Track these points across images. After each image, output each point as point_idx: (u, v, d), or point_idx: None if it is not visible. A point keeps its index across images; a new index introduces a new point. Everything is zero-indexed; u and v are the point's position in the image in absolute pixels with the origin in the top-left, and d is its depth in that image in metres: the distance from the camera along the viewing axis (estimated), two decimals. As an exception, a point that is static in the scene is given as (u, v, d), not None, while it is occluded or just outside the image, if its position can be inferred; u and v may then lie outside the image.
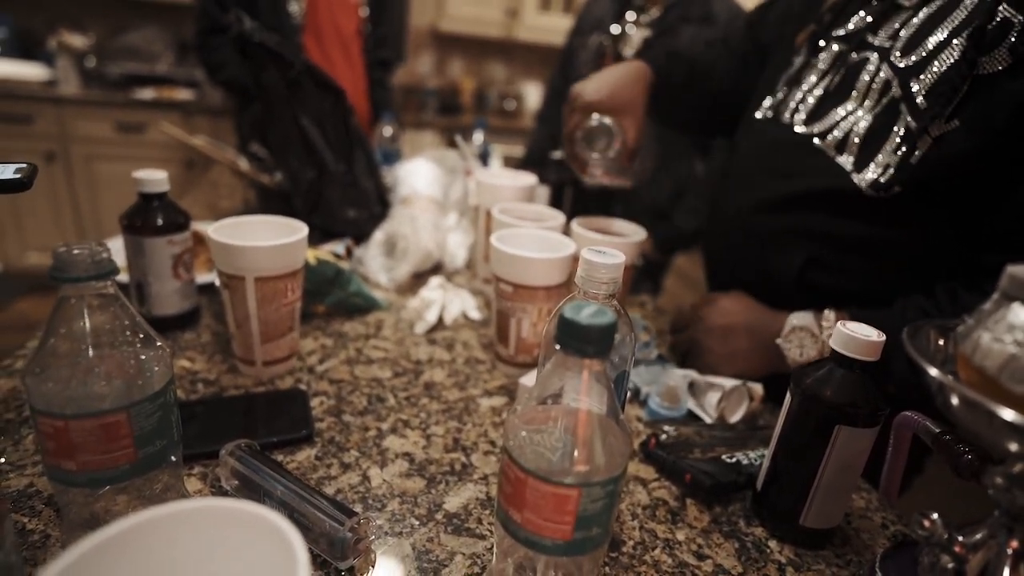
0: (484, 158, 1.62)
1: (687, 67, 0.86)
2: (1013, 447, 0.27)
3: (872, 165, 0.61)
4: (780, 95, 0.74)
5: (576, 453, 0.32)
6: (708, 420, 0.64)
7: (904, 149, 0.59)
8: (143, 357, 0.37)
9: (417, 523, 0.47)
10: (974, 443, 0.38)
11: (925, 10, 0.60)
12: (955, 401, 0.29)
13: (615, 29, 1.47)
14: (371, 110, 1.95)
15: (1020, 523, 0.31)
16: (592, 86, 0.78)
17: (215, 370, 0.65)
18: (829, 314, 0.62)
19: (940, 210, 0.60)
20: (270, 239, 0.60)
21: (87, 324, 0.35)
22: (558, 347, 0.31)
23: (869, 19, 0.65)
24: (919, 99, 0.57)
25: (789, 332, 0.64)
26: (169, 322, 0.71)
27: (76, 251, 0.34)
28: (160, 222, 0.66)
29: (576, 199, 1.64)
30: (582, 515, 0.32)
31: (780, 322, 0.66)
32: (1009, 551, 0.31)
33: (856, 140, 0.63)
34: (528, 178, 0.95)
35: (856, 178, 0.62)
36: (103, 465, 0.36)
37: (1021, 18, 0.51)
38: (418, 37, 3.43)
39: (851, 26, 0.67)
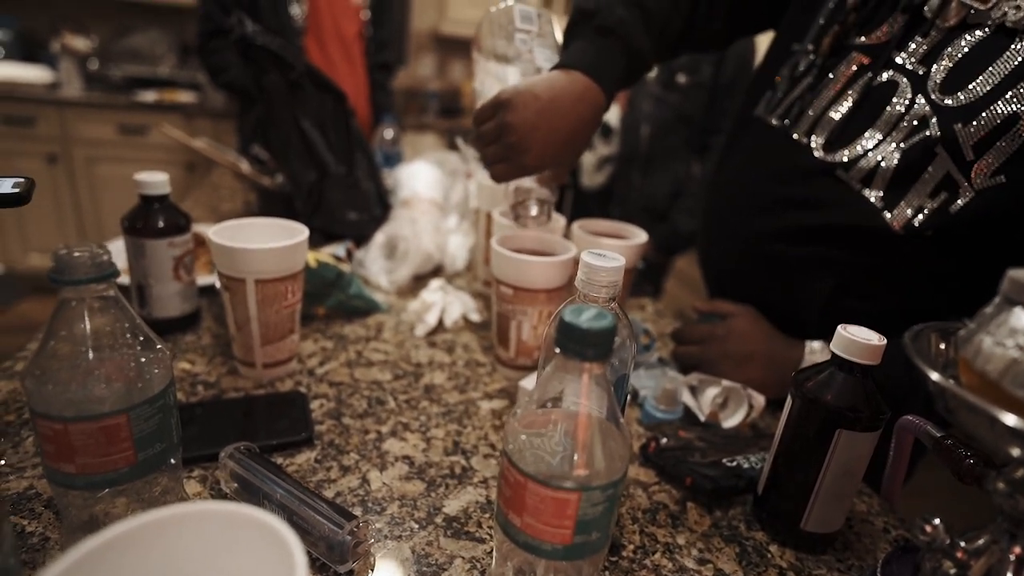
0: (485, 160, 1.62)
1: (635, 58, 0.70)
2: (1015, 452, 0.27)
3: (903, 204, 0.58)
4: (790, 100, 0.68)
5: (576, 457, 0.32)
6: (701, 417, 0.63)
7: (944, 195, 0.56)
8: (143, 360, 0.37)
9: (416, 526, 0.47)
10: (976, 447, 0.38)
11: (965, 39, 0.54)
12: (957, 406, 0.29)
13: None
14: (372, 112, 1.95)
15: (1022, 529, 0.30)
16: (534, 153, 0.63)
17: (215, 372, 0.65)
18: None
19: (974, 246, 0.58)
20: (271, 241, 0.60)
21: (87, 326, 0.35)
22: (558, 350, 0.31)
23: (894, 31, 0.60)
24: (966, 150, 0.53)
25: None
26: (170, 324, 0.71)
27: (76, 253, 0.34)
28: (161, 224, 0.67)
29: (576, 201, 1.65)
30: (582, 519, 0.32)
31: (797, 351, 0.65)
32: (1012, 557, 0.31)
33: (885, 175, 0.58)
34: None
35: (887, 216, 0.59)
36: (102, 468, 0.36)
37: None
38: (419, 40, 3.44)
39: (875, 37, 0.61)
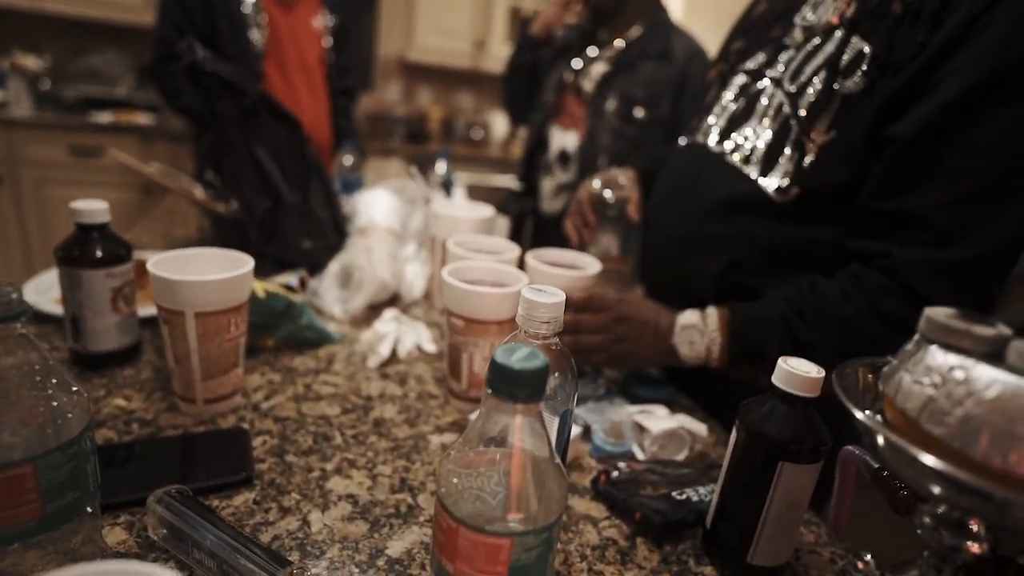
0: (447, 187, 1.62)
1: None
2: (936, 490, 0.28)
3: (772, 174, 0.71)
4: (695, 123, 0.84)
5: (509, 501, 0.32)
6: (642, 456, 0.63)
7: (797, 155, 0.69)
8: (55, 404, 0.35)
9: (357, 571, 0.45)
10: (908, 480, 0.38)
11: (806, 48, 0.72)
12: (881, 442, 0.29)
13: (576, 63, 1.50)
14: (334, 138, 1.94)
15: (948, 563, 0.31)
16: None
17: (153, 409, 0.62)
18: (711, 310, 0.70)
19: (836, 212, 0.68)
20: (214, 273, 0.58)
21: (-7, 369, 0.33)
22: (489, 391, 0.31)
23: (765, 58, 0.77)
24: (805, 116, 0.69)
25: (680, 331, 0.70)
26: (107, 358, 0.68)
27: (-18, 292, 0.32)
28: (99, 254, 0.64)
29: (536, 226, 1.66)
30: (515, 565, 0.31)
31: (672, 319, 0.72)
32: (939, 592, 0.31)
33: (759, 154, 0.72)
34: (486, 209, 0.95)
35: (762, 183, 0.71)
36: (3, 523, 0.33)
37: (869, 48, 0.64)
38: (387, 66, 3.46)
39: (753, 64, 0.79)
